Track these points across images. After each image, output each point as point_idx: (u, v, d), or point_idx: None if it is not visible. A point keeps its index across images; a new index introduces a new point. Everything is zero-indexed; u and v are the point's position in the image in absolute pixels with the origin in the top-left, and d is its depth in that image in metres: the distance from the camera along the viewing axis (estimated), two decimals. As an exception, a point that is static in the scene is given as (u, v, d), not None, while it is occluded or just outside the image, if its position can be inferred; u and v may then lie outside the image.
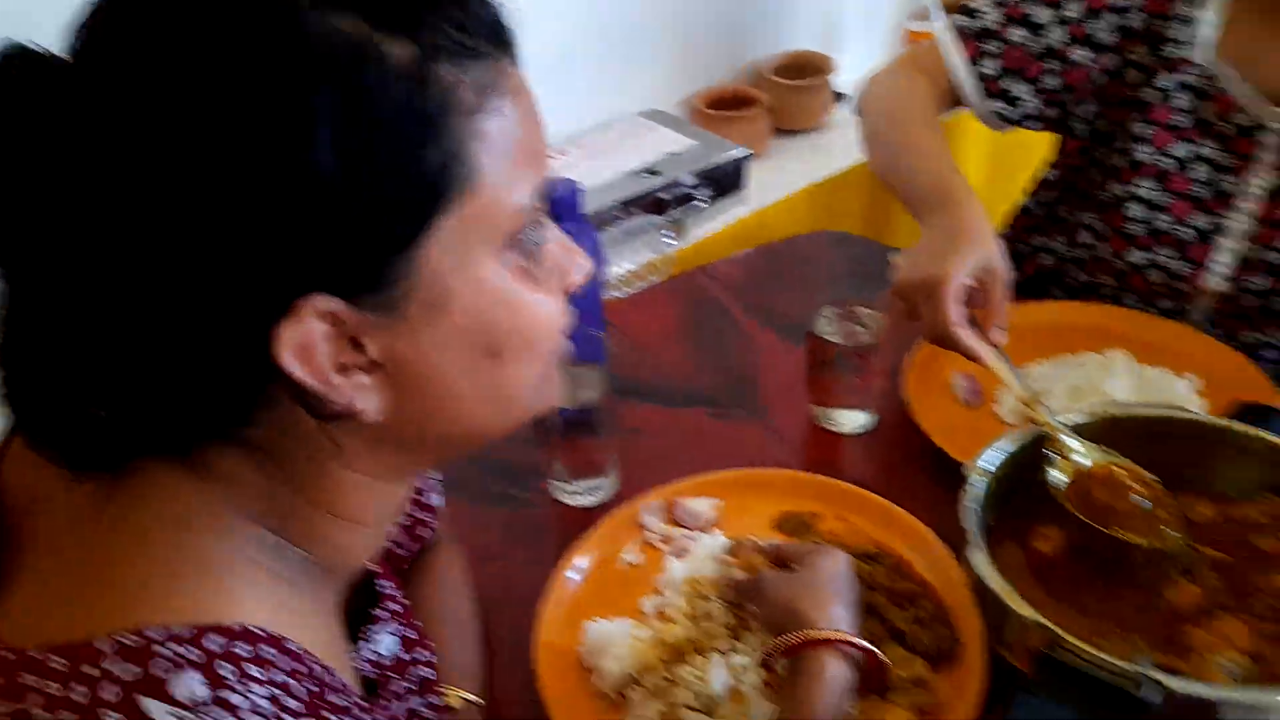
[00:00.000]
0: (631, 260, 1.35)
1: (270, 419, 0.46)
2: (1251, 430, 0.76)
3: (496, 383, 0.49)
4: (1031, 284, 1.23)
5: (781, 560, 0.76)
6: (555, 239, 0.52)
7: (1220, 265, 1.04)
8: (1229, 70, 1.00)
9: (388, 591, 0.62)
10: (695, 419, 1.08)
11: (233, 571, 0.46)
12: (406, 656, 0.62)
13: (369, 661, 0.59)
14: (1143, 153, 1.05)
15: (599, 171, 1.47)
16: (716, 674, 0.74)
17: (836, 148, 1.69)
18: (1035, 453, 0.78)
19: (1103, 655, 0.60)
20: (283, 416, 0.46)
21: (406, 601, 0.65)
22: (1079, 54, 1.05)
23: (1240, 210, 1.02)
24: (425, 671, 0.64)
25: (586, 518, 0.93)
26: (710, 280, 1.31)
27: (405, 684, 0.62)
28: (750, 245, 1.40)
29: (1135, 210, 1.06)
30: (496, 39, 0.46)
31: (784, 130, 1.72)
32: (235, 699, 0.41)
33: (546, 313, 0.50)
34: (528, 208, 0.47)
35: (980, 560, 0.67)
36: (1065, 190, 1.18)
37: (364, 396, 0.45)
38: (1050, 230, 1.20)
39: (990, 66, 1.07)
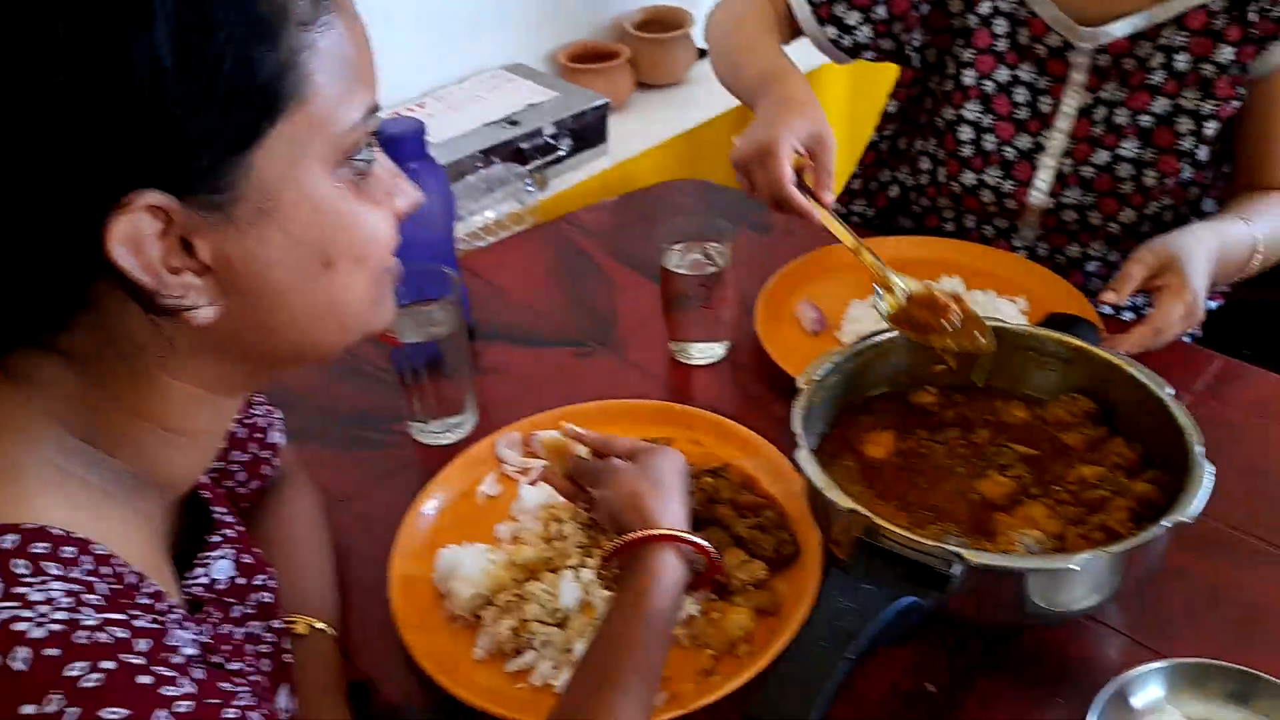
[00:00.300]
0: (493, 209, 1.35)
1: (91, 324, 0.45)
2: (1057, 335, 0.82)
3: (328, 294, 0.50)
4: (882, 216, 1.29)
5: (612, 455, 0.77)
6: (383, 164, 0.53)
7: (1041, 182, 1.11)
8: None
9: (222, 518, 0.62)
10: (558, 358, 1.09)
11: (36, 476, 0.45)
12: (243, 581, 0.62)
13: (203, 586, 0.58)
14: (968, 77, 1.12)
15: (458, 122, 1.45)
16: (567, 588, 0.76)
17: (698, 100, 1.72)
18: (861, 365, 0.83)
19: (913, 537, 0.64)
20: (105, 322, 0.45)
21: (243, 529, 0.65)
22: None
23: (1057, 129, 1.09)
24: (264, 597, 0.64)
25: (446, 456, 0.93)
26: (572, 228, 1.32)
27: (242, 609, 0.62)
28: (613, 195, 1.42)
29: (965, 133, 1.13)
30: None
31: (646, 84, 1.74)
32: (31, 594, 0.40)
33: (377, 227, 0.51)
34: (359, 126, 0.48)
35: (805, 458, 0.71)
36: (904, 122, 1.24)
37: (195, 299, 0.46)
38: (895, 163, 1.26)
39: None
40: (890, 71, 1.25)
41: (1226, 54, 0.99)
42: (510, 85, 1.56)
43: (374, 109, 0.50)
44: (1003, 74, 1.10)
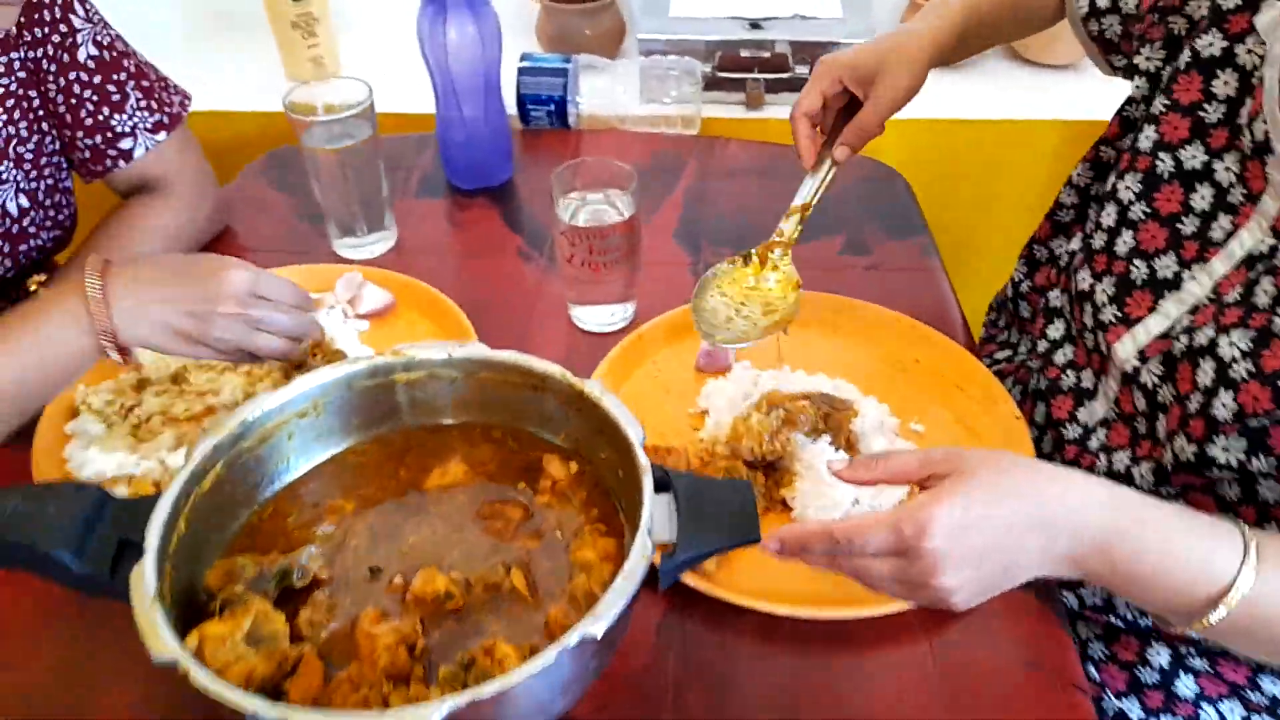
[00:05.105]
0: (665, 102, 1.25)
1: None
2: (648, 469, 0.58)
3: None
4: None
5: None
6: None
7: (1142, 333, 0.72)
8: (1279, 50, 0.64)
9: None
10: (505, 242, 1.06)
11: None
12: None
13: None
14: (1145, 139, 0.73)
15: (721, 5, 1.35)
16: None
17: (998, 98, 1.35)
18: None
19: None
20: None
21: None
22: None
23: (1213, 266, 0.68)
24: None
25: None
26: (698, 152, 1.19)
27: None
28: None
29: (1107, 215, 0.76)
30: None
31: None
32: None
33: None
34: None
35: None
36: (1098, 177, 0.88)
37: None
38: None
39: None
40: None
41: None
42: (806, -6, 1.37)
43: None
44: (1194, 154, 0.70)
